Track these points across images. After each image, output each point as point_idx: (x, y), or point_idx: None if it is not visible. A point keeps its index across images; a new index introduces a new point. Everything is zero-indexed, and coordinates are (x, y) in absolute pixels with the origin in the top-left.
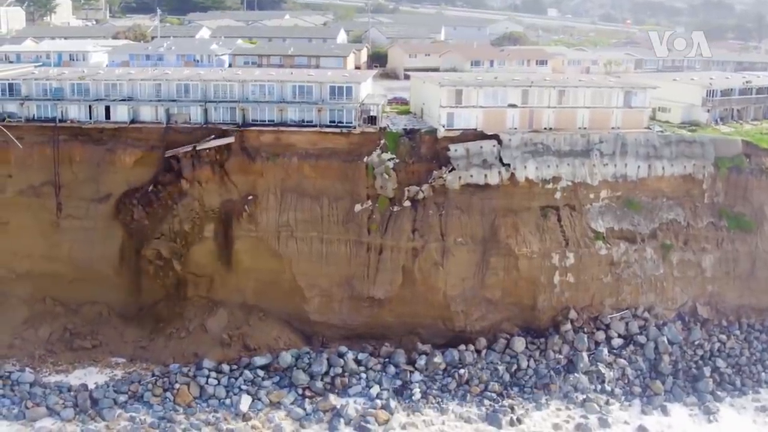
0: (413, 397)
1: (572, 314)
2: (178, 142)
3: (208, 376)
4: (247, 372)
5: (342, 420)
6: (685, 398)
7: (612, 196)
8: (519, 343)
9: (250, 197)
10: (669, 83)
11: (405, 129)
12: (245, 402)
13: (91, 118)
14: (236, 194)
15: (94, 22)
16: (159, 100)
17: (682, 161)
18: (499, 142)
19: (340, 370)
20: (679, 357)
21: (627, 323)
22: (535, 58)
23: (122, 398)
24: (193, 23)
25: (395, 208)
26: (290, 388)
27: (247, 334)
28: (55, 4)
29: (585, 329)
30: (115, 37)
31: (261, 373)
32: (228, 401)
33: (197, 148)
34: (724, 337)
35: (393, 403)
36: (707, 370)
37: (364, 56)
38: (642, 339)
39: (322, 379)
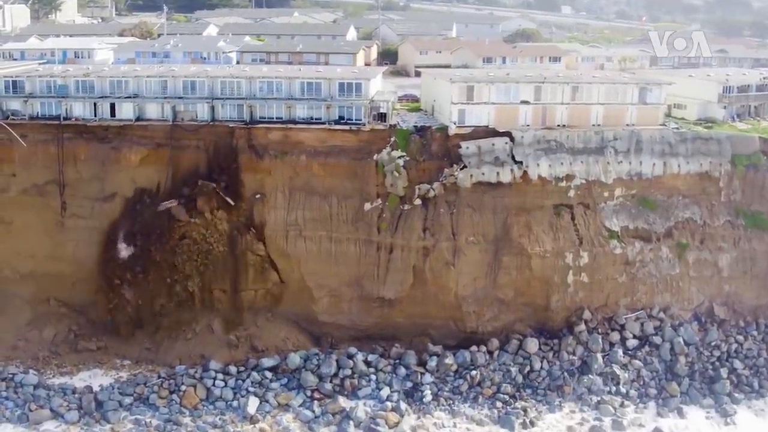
0: (424, 399)
1: (586, 315)
2: (184, 141)
3: (215, 378)
4: (254, 374)
5: (351, 422)
6: (702, 400)
7: (627, 194)
8: (532, 344)
9: (258, 196)
10: (685, 79)
11: (415, 126)
12: (253, 404)
13: (96, 116)
14: (241, 216)
15: (100, 20)
16: (165, 98)
17: (698, 159)
18: (512, 139)
19: (349, 372)
20: (696, 358)
21: (642, 324)
22: (548, 55)
23: (127, 400)
24: (201, 20)
25: (405, 207)
26: (298, 390)
27: (254, 335)
28: (60, 1)
29: (599, 330)
30: (120, 35)
31: (269, 374)
32: (235, 403)
33: (158, 209)
34: (741, 337)
35: (403, 405)
36: (724, 372)
37: (374, 53)
38: (657, 340)
39: (331, 381)
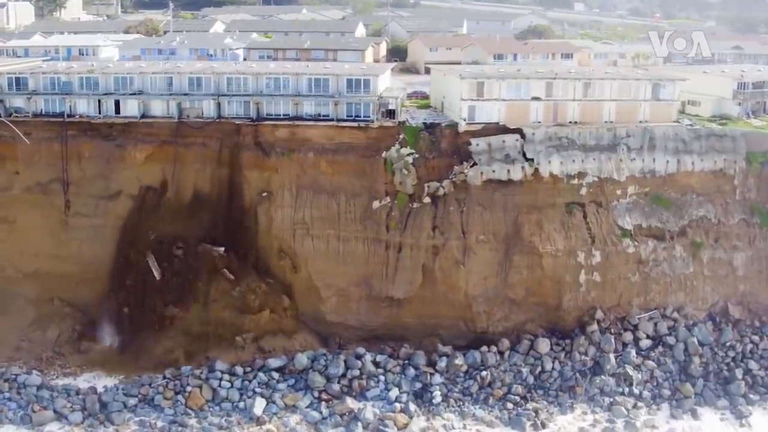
0: (433, 401)
1: (599, 314)
2: (189, 138)
3: (221, 379)
4: (261, 374)
5: (359, 424)
6: (716, 402)
7: (640, 192)
8: (543, 345)
9: (265, 194)
10: (699, 76)
11: (425, 123)
12: (259, 405)
13: (100, 113)
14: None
15: (105, 18)
16: (170, 94)
17: (713, 156)
18: (523, 136)
19: (357, 373)
20: (710, 359)
21: (656, 324)
22: (560, 52)
23: (132, 401)
24: (207, 17)
25: (415, 205)
26: (306, 391)
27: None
28: None
29: (612, 330)
30: (126, 32)
31: (276, 375)
32: (241, 404)
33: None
34: (756, 338)
35: (412, 407)
36: (739, 373)
37: (383, 50)
38: (671, 340)
39: (338, 382)
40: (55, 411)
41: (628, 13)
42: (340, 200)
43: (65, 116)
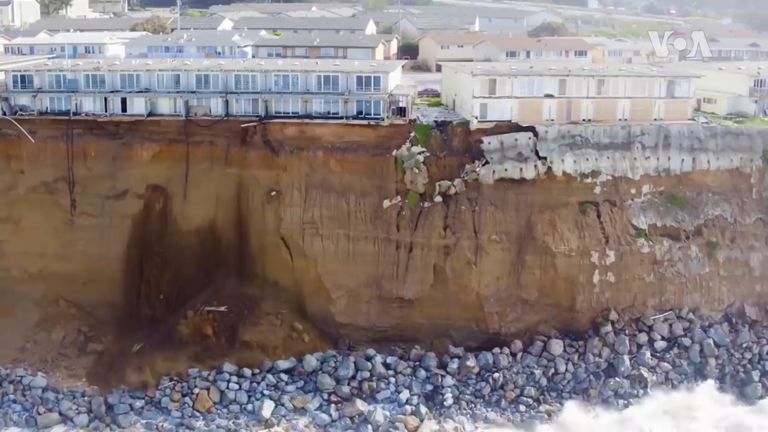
0: (445, 403)
1: (613, 315)
2: (197, 136)
3: (228, 381)
4: (269, 376)
5: (370, 426)
6: None
7: (654, 191)
8: (556, 346)
9: (273, 193)
10: (714, 73)
11: (436, 121)
12: (268, 407)
13: (106, 111)
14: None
15: (112, 15)
16: (178, 92)
17: (729, 154)
18: (535, 134)
19: (367, 374)
20: (726, 360)
21: (671, 325)
22: (573, 49)
23: (139, 404)
24: (215, 15)
25: (426, 204)
26: (315, 393)
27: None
28: None
29: (626, 331)
30: (133, 30)
31: (284, 377)
32: (249, 407)
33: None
34: None
35: (423, 409)
36: (756, 374)
37: (393, 48)
38: (687, 341)
39: (348, 384)
40: (60, 413)
41: (642, 10)
42: (350, 199)
43: (71, 114)
